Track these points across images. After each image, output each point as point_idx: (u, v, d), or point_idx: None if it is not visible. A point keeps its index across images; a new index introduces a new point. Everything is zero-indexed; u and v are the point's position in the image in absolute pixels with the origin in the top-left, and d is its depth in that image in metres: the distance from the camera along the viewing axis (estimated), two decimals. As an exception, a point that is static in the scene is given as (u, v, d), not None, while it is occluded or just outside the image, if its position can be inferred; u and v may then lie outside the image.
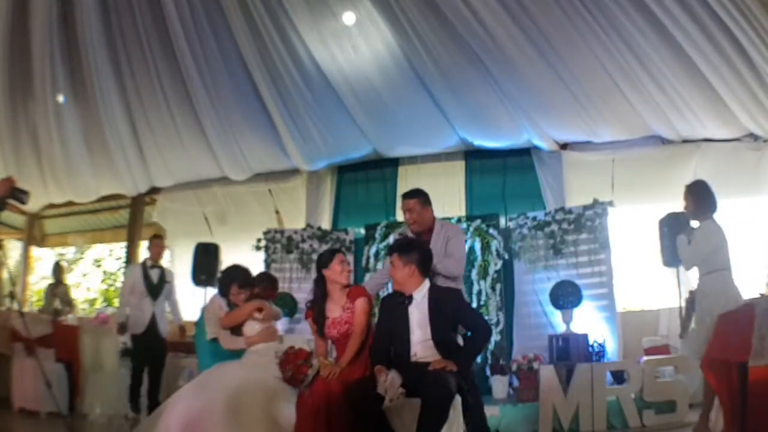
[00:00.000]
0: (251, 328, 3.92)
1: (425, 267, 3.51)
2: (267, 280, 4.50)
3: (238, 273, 4.27)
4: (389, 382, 3.13)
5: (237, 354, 3.92)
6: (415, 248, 3.54)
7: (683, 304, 4.76)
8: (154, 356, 5.94)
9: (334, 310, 3.64)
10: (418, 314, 3.40)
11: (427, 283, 3.49)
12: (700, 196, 4.28)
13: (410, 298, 3.44)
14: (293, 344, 3.72)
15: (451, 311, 3.41)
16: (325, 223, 7.59)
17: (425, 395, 3.09)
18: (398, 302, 3.48)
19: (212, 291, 6.44)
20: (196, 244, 7.24)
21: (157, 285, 6.08)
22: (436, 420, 3.04)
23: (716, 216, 4.25)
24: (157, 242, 6.35)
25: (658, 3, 5.18)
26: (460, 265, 4.00)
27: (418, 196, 4.09)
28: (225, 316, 4.04)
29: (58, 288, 7.85)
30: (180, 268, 7.27)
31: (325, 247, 6.98)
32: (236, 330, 3.96)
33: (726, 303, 3.86)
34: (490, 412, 4.27)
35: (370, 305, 3.67)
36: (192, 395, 3.54)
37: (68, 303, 7.81)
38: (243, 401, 3.38)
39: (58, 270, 8.01)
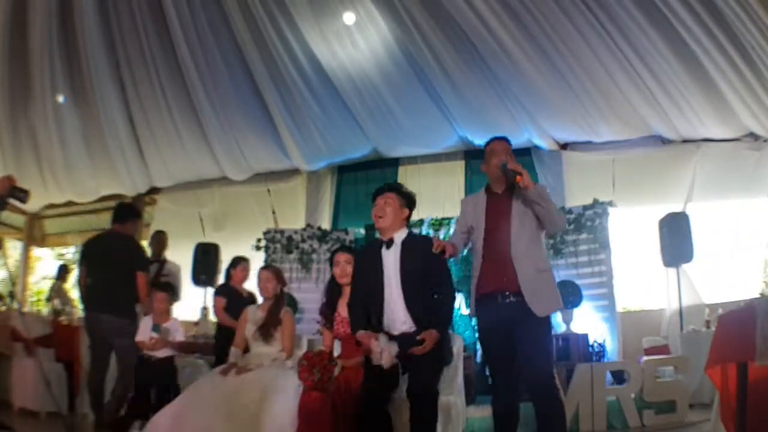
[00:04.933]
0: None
1: (411, 215, 3.45)
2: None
3: None
4: (386, 351, 3.06)
5: None
6: (410, 194, 3.44)
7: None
8: None
9: (345, 308, 3.66)
10: (392, 260, 3.25)
11: (406, 231, 3.39)
12: None
13: (391, 241, 3.31)
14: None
15: (421, 258, 3.21)
16: (325, 223, 7.59)
17: (409, 395, 3.09)
18: (374, 250, 3.34)
19: (212, 291, 6.43)
20: (196, 244, 7.24)
21: None
22: (426, 416, 3.05)
23: None
24: None
25: (661, 0, 5.18)
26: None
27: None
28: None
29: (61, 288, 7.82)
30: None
31: (325, 247, 6.99)
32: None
33: None
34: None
35: None
36: (184, 396, 3.54)
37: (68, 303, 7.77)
38: (240, 402, 3.37)
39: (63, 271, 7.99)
